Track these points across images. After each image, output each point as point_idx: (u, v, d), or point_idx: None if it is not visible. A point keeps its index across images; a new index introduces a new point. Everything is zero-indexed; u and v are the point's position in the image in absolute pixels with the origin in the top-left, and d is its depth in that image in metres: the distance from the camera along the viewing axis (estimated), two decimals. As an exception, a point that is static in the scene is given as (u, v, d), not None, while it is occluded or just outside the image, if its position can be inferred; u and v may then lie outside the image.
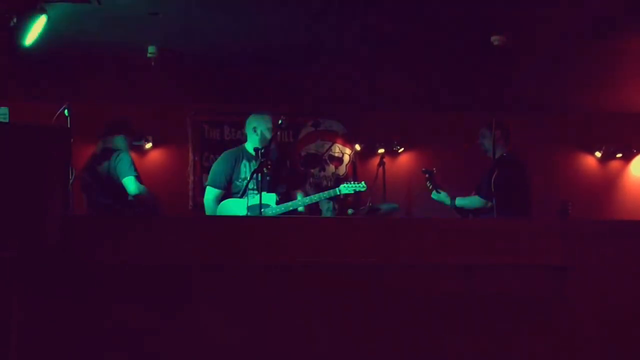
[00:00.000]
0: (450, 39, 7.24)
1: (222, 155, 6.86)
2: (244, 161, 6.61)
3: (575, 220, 7.75)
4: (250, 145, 6.68)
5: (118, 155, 6.68)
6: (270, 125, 6.61)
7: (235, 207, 6.44)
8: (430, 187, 7.17)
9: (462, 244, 5.06)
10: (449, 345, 4.91)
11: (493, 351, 4.93)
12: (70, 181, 5.73)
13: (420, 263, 4.97)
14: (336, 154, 9.59)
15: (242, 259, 4.87)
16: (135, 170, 6.67)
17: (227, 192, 6.59)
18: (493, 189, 6.27)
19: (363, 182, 6.62)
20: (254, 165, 6.46)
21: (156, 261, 4.80)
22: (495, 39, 7.03)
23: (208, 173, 9.02)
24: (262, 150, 6.27)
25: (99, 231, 4.89)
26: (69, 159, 4.97)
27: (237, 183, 6.55)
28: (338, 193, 6.51)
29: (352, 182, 6.60)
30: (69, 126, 6.00)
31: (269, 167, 6.31)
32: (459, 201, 7.03)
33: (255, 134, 6.64)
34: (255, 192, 6.26)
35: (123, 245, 4.81)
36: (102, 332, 4.71)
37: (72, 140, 5.12)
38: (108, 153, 6.74)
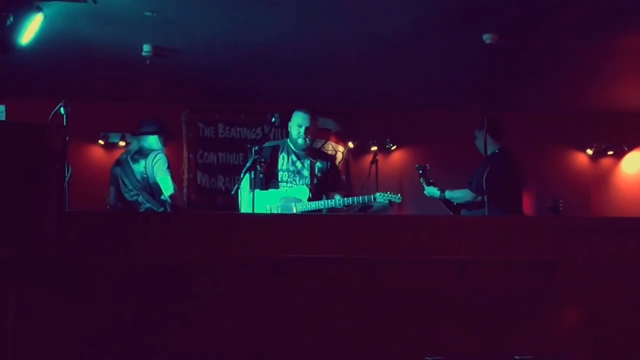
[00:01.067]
0: (443, 38, 7.25)
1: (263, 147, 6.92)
2: (283, 153, 6.68)
3: (566, 216, 7.82)
4: (291, 140, 6.77)
5: (156, 155, 6.84)
6: (302, 123, 6.60)
7: (267, 197, 6.53)
8: (424, 183, 7.20)
9: (454, 241, 5.09)
10: (440, 340, 4.94)
11: (484, 345, 4.95)
12: (67, 178, 5.78)
13: (412, 259, 4.99)
14: (329, 152, 9.59)
15: (238, 255, 4.89)
16: (171, 171, 6.84)
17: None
18: (485, 186, 6.28)
19: (399, 195, 6.55)
20: (293, 158, 6.60)
21: (152, 258, 4.82)
22: (487, 38, 7.05)
23: (203, 171, 9.13)
24: (256, 148, 6.26)
25: (95, 228, 4.92)
26: (65, 156, 4.85)
27: (274, 172, 6.64)
28: (372, 200, 6.49)
29: (389, 193, 6.54)
30: (65, 124, 5.99)
31: (262, 164, 6.33)
32: (449, 193, 7.06)
33: (291, 130, 6.71)
34: (290, 184, 6.47)
35: (119, 242, 4.84)
36: (99, 329, 4.72)
37: (68, 137, 5.06)
38: (145, 152, 6.90)
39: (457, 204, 7.03)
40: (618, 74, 8.45)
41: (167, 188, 6.73)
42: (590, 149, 10.04)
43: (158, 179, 6.76)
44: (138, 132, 7.06)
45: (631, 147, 10.10)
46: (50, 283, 4.69)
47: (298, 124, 6.61)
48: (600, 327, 5.07)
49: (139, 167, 6.85)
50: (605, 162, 10.15)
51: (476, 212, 6.76)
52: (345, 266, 4.95)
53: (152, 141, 6.97)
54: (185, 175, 9.34)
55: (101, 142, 9.11)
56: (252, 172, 6.19)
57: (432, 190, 7.15)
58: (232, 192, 6.46)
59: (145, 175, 6.83)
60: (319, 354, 4.87)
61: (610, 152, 10.08)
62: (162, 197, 6.79)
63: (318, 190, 6.61)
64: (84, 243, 4.79)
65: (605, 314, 5.09)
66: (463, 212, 6.99)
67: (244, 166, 6.37)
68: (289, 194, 6.46)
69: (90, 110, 8.44)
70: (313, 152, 6.80)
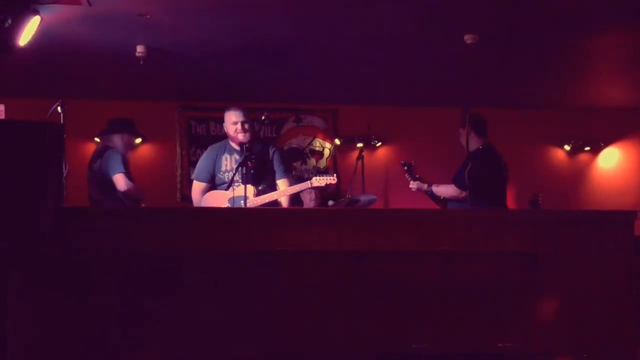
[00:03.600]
0: (425, 37, 7.32)
1: (207, 149, 6.88)
2: (225, 154, 6.63)
3: (545, 210, 7.88)
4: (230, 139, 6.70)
5: (109, 154, 6.83)
6: (238, 119, 6.55)
7: (218, 198, 6.51)
8: (409, 179, 7.22)
9: (438, 233, 5.14)
10: (427, 330, 5.01)
11: (469, 334, 5.04)
12: (64, 175, 5.86)
13: (397, 251, 5.04)
14: (317, 148, 9.75)
15: (228, 247, 4.93)
16: (125, 167, 6.80)
17: (213, 184, 6.65)
18: (467, 181, 6.34)
19: (335, 175, 6.55)
20: (236, 157, 6.50)
21: (147, 251, 4.85)
22: (468, 38, 7.13)
23: (195, 167, 9.25)
24: (247, 145, 6.31)
25: (91, 222, 4.97)
26: (62, 154, 4.96)
27: (220, 176, 6.58)
28: (310, 185, 6.48)
29: (322, 177, 6.49)
30: (62, 122, 6.02)
31: (253, 161, 6.31)
32: (434, 188, 7.06)
33: (228, 130, 6.66)
34: (238, 184, 6.31)
35: (115, 236, 4.88)
36: (95, 320, 4.77)
37: (65, 135, 5.12)
38: (103, 151, 6.90)
39: (443, 198, 7.04)
40: (595, 72, 8.57)
41: (120, 185, 6.73)
42: (568, 145, 10.15)
43: (111, 177, 6.75)
44: (104, 132, 7.07)
45: (607, 143, 10.23)
46: (46, 273, 4.72)
47: (233, 121, 6.55)
48: (581, 316, 5.15)
49: (96, 166, 6.86)
50: (583, 157, 10.26)
51: (459, 205, 6.79)
52: (334, 258, 4.98)
53: (114, 140, 6.96)
54: (179, 171, 9.42)
55: (97, 139, 9.08)
56: (244, 168, 6.23)
57: (418, 185, 7.19)
58: (225, 187, 6.48)
59: (100, 173, 6.81)
60: (305, 344, 4.91)
61: (587, 148, 10.19)
62: (117, 193, 6.77)
63: (267, 181, 6.56)
64: (78, 235, 4.80)
65: (585, 303, 5.17)
66: (450, 204, 7.00)
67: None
68: (238, 194, 6.26)
69: (87, 108, 8.48)
70: (253, 144, 6.59)
